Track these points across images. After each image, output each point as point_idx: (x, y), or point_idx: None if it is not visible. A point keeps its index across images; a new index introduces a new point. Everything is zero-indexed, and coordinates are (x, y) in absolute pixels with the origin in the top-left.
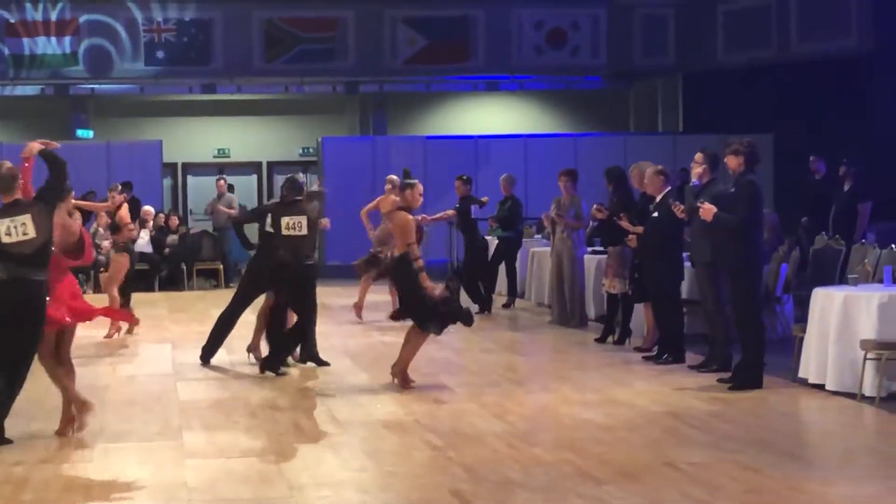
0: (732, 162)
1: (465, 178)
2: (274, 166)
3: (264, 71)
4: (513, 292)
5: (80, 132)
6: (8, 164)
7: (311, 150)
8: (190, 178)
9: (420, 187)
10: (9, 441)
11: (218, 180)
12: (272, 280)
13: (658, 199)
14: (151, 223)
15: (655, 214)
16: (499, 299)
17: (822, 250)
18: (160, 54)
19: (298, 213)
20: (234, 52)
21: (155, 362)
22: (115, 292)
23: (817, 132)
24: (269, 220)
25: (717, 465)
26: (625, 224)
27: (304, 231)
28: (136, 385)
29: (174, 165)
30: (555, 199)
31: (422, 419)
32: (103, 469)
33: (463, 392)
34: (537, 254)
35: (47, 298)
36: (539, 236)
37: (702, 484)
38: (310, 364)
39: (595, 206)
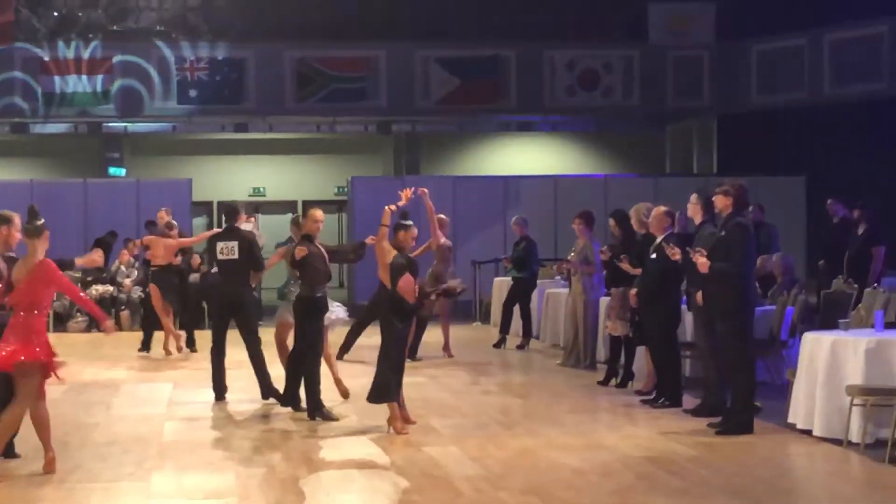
0: (721, 202)
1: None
2: (309, 205)
3: (296, 110)
4: (527, 333)
5: (112, 170)
6: None
7: (345, 189)
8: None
9: (414, 231)
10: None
11: (247, 218)
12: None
13: (658, 240)
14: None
15: (653, 256)
16: (513, 340)
17: (834, 294)
18: (193, 93)
19: (231, 238)
20: (267, 91)
21: (151, 402)
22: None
23: (850, 174)
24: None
25: None
26: (625, 266)
27: (236, 255)
28: (124, 424)
29: (210, 204)
30: (575, 243)
31: (398, 462)
32: None
33: (448, 435)
34: (552, 295)
35: None
36: (559, 277)
37: None
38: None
39: (602, 248)
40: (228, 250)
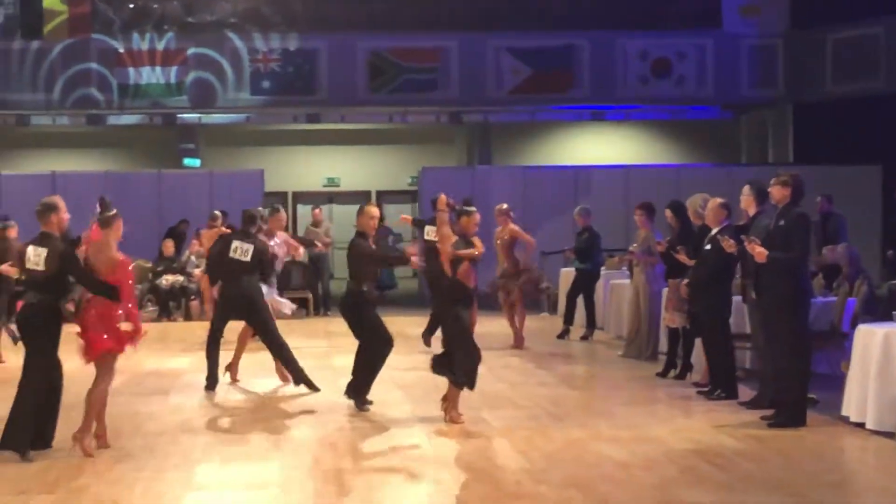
0: (778, 193)
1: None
2: (383, 195)
3: (368, 101)
4: (591, 324)
5: (187, 161)
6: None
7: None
8: (300, 207)
9: (477, 217)
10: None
11: (314, 209)
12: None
13: (714, 232)
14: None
15: (708, 247)
16: (578, 331)
17: None
18: (266, 84)
19: (248, 241)
20: (339, 82)
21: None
22: None
23: None
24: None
25: None
26: (681, 257)
27: (248, 259)
28: (178, 414)
29: (284, 194)
30: (636, 234)
31: (444, 454)
32: (102, 495)
33: (498, 426)
34: (617, 286)
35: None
36: (625, 268)
37: None
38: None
39: (659, 240)
40: (242, 252)
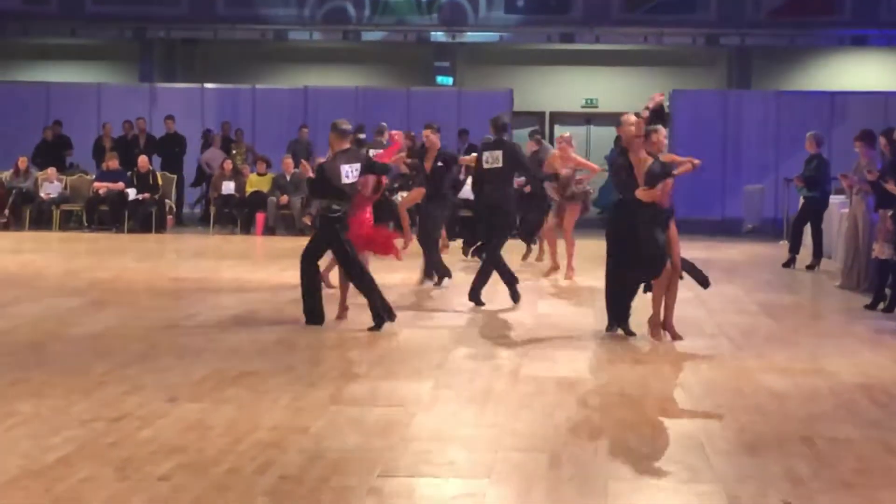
0: None
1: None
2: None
3: (623, 21)
4: (818, 253)
5: (439, 79)
6: None
7: None
8: (557, 128)
9: (663, 131)
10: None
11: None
12: None
13: None
14: None
15: None
16: (806, 259)
17: None
18: (520, 3)
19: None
20: (594, 1)
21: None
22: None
23: None
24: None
25: (856, 443)
26: (889, 187)
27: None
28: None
29: (541, 114)
30: (856, 161)
31: (603, 378)
32: (246, 403)
33: (672, 354)
34: (845, 215)
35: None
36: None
37: (817, 461)
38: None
39: (868, 169)
40: (493, 159)
